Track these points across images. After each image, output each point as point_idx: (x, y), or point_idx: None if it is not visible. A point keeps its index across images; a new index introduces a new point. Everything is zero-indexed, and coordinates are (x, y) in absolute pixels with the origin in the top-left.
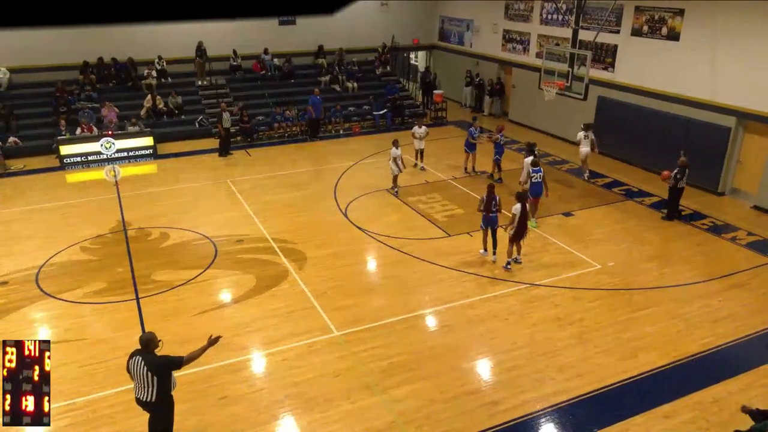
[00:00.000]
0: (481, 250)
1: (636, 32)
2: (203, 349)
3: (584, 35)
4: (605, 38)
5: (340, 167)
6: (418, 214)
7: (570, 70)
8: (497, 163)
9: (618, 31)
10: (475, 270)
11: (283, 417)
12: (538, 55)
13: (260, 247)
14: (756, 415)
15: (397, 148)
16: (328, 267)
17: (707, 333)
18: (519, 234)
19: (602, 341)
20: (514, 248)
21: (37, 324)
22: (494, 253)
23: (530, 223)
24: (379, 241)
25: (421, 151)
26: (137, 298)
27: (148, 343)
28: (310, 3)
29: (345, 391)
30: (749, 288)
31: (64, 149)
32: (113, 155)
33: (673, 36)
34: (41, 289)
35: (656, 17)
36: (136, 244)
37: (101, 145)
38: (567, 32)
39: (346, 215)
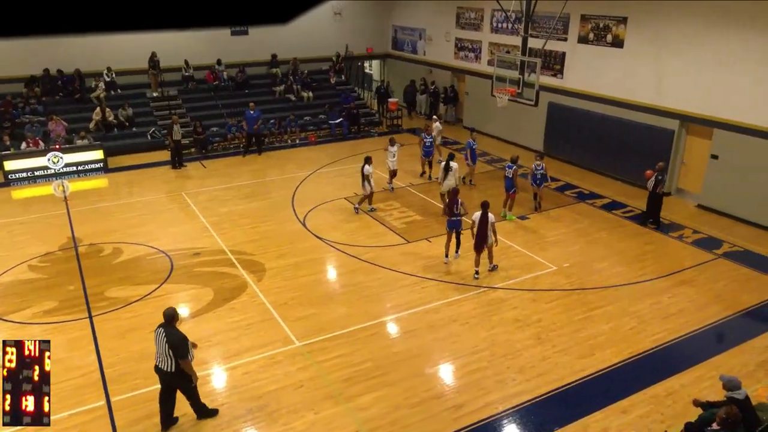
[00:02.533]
0: (445, 259)
1: (582, 40)
2: (193, 373)
3: (533, 43)
4: (554, 46)
5: (297, 177)
6: (377, 222)
7: (521, 77)
8: (428, 160)
9: (566, 39)
10: (435, 275)
11: None
12: (490, 63)
13: (218, 259)
14: (707, 407)
15: (369, 165)
16: (288, 277)
17: (659, 329)
18: (477, 244)
19: (560, 341)
20: (482, 258)
21: None
22: (457, 251)
23: (509, 216)
24: (339, 249)
25: (395, 172)
26: (90, 317)
27: (170, 317)
28: (263, 13)
29: (309, 402)
30: (696, 284)
31: (9, 164)
32: (61, 170)
33: (618, 43)
34: None
35: (601, 25)
36: (88, 261)
37: (48, 159)
38: (517, 40)
39: (304, 225)
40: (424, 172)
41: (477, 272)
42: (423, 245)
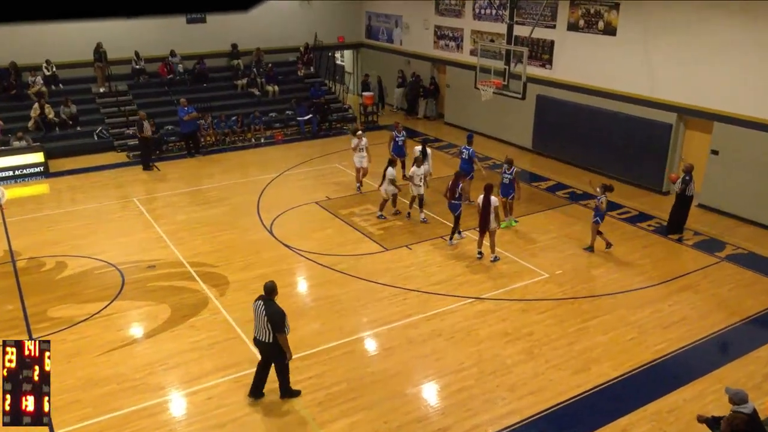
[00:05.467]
0: (448, 242)
1: (572, 27)
2: (288, 349)
3: (519, 30)
4: (541, 34)
5: (262, 179)
6: (352, 228)
7: (506, 67)
8: (400, 161)
9: (554, 26)
10: (417, 286)
11: None
12: (473, 53)
13: (175, 272)
14: (711, 423)
15: (392, 167)
16: (254, 291)
17: (659, 339)
18: (480, 226)
19: (553, 355)
20: (486, 241)
21: None
22: (451, 238)
23: (509, 222)
24: (310, 259)
25: (421, 198)
26: (31, 339)
27: (270, 291)
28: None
29: (279, 429)
30: (698, 290)
31: None
32: None
33: (610, 30)
34: None
35: (592, 11)
36: (28, 277)
37: None
38: (501, 28)
39: (271, 232)
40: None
41: (480, 252)
42: (403, 253)
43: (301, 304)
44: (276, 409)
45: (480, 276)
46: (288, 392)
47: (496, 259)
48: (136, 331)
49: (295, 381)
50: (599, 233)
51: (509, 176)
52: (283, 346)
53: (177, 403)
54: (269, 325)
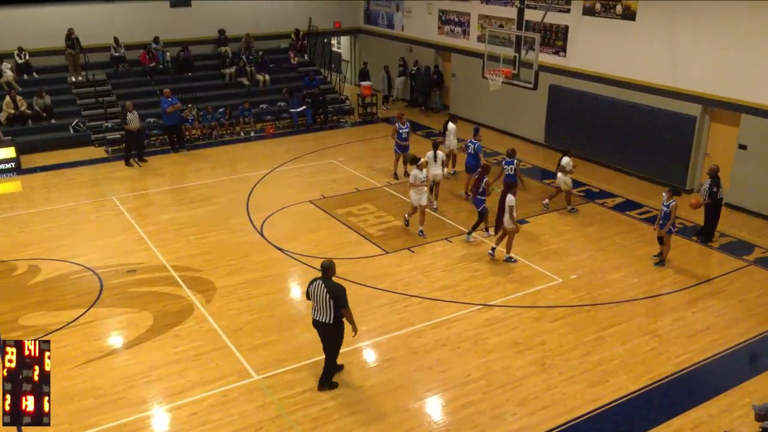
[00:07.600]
0: (485, 233)
1: (588, 11)
2: (353, 323)
3: (531, 15)
4: (554, 18)
5: (252, 176)
6: (349, 229)
7: (517, 55)
8: (402, 156)
9: (568, 10)
10: (419, 292)
11: None
12: (480, 39)
13: (157, 277)
14: None
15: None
16: (243, 297)
17: (682, 350)
18: (496, 222)
19: (567, 366)
20: (503, 242)
21: None
22: (487, 230)
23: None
24: (303, 263)
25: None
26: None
27: (328, 269)
28: None
29: None
30: (725, 296)
31: None
32: None
33: (629, 15)
34: None
35: None
36: None
37: None
38: (511, 12)
39: (262, 234)
40: (396, 174)
41: (493, 249)
42: (404, 256)
43: (294, 311)
44: (266, 425)
45: (488, 281)
46: (328, 383)
47: (509, 259)
48: (116, 340)
49: (288, 395)
50: (660, 241)
51: (512, 169)
52: (349, 320)
53: (159, 419)
54: (331, 303)
